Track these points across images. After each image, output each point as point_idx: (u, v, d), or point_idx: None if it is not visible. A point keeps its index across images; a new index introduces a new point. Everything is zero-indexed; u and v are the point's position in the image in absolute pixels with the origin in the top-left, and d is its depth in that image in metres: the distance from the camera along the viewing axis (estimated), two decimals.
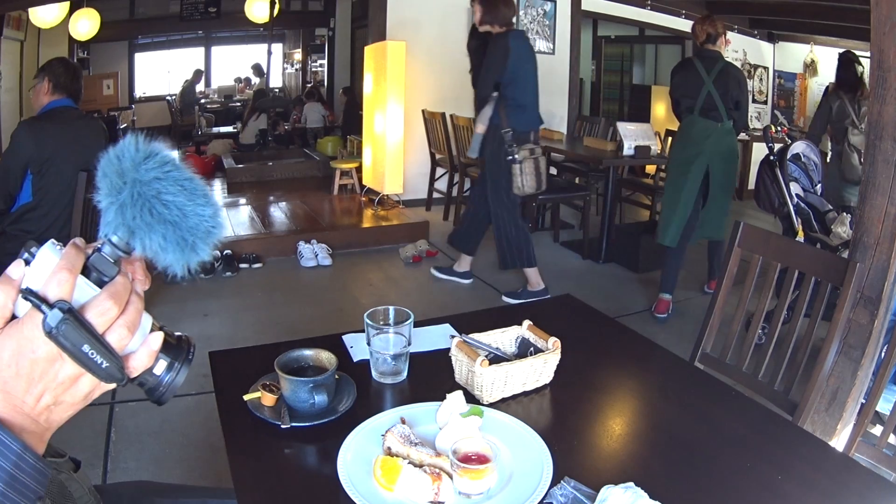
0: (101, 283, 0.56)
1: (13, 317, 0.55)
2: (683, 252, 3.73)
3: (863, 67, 4.21)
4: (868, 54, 2.00)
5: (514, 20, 3.67)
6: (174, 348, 0.61)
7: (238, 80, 11.24)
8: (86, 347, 0.53)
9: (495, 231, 3.83)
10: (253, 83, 10.87)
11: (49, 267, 0.54)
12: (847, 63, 4.25)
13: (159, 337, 0.59)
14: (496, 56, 3.52)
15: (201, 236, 0.58)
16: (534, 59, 3.68)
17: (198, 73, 10.77)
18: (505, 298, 3.87)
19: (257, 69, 10.75)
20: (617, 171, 4.70)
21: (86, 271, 0.56)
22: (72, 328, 0.52)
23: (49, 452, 0.63)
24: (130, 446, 2.31)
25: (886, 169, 1.94)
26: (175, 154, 0.60)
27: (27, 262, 0.55)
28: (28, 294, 0.53)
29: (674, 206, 3.62)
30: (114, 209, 0.56)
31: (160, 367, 0.60)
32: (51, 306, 0.52)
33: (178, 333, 0.63)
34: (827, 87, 5.37)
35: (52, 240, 0.56)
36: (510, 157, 3.52)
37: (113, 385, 0.57)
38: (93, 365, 0.54)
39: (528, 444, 1.03)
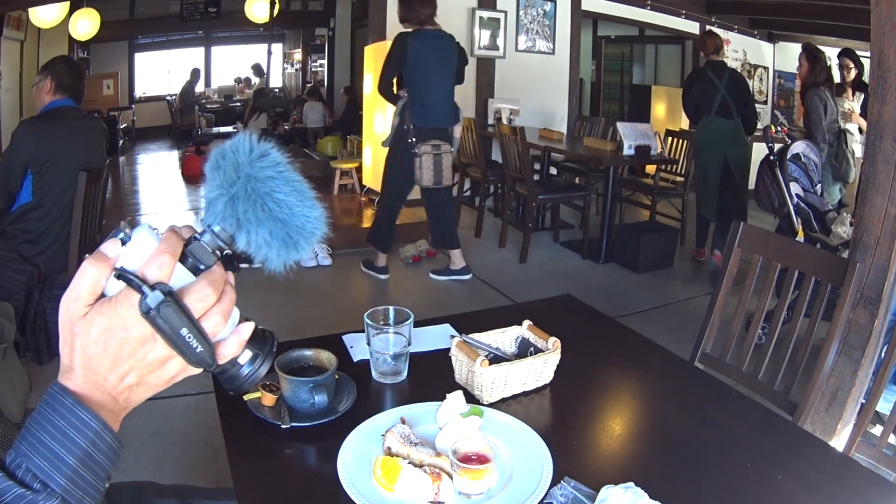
0: (195, 271, 0.56)
1: (101, 295, 0.55)
2: (727, 218, 4.30)
3: (828, 60, 4.30)
4: (868, 54, 2.00)
5: (435, 18, 3.78)
6: (259, 340, 0.62)
7: (238, 80, 11.24)
8: (183, 331, 0.53)
9: (377, 212, 4.22)
10: (253, 83, 10.88)
11: (146, 249, 0.54)
12: (814, 59, 4.19)
13: (250, 327, 0.60)
14: (391, 54, 3.76)
15: (305, 236, 0.60)
16: (443, 59, 3.74)
17: (195, 73, 10.77)
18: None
19: (257, 69, 10.76)
20: (617, 171, 4.70)
21: (182, 258, 0.56)
22: (172, 311, 0.52)
23: None
24: (130, 446, 2.31)
25: (886, 169, 1.94)
26: (284, 156, 0.61)
27: (123, 242, 0.55)
28: (126, 273, 0.53)
29: (705, 189, 4.44)
30: (224, 200, 0.57)
31: (245, 357, 0.61)
32: (151, 287, 0.52)
33: (261, 327, 0.63)
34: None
35: (149, 223, 0.57)
36: (413, 151, 3.76)
37: (199, 370, 0.57)
38: (187, 349, 0.54)
39: (528, 444, 1.03)
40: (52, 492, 0.52)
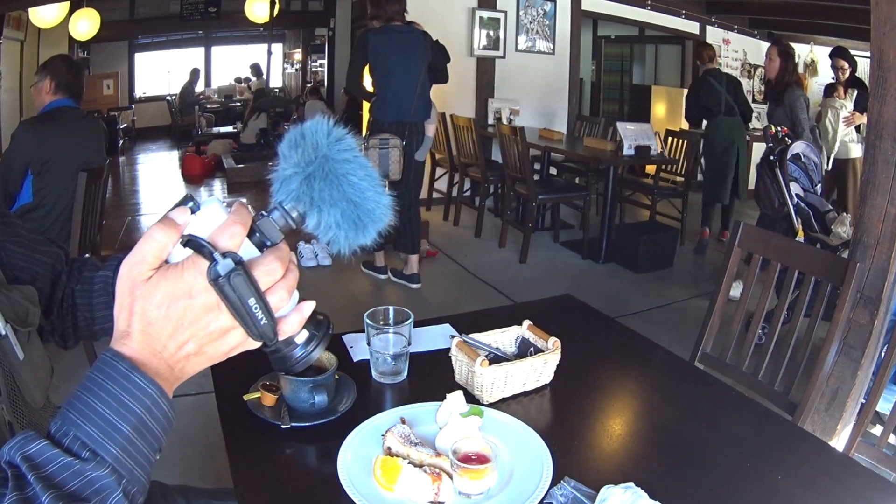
0: (261, 247, 0.56)
1: (164, 261, 0.54)
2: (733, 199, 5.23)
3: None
4: (868, 54, 2.00)
5: (406, 14, 3.81)
6: (315, 323, 0.62)
7: (239, 79, 11.23)
8: (251, 301, 0.53)
9: None
10: (251, 82, 10.87)
11: (215, 220, 0.54)
12: (787, 56, 4.18)
13: (311, 305, 0.60)
14: (353, 51, 3.83)
15: (374, 221, 0.60)
16: (406, 54, 3.73)
17: (195, 73, 10.77)
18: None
19: (255, 69, 10.74)
20: (617, 171, 4.70)
21: (249, 233, 0.56)
22: (242, 281, 0.52)
23: None
24: None
25: (886, 169, 1.94)
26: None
27: (192, 211, 0.55)
28: (196, 240, 0.53)
29: (724, 179, 5.03)
30: (299, 178, 0.57)
31: (301, 336, 0.60)
32: (223, 255, 0.52)
33: (318, 311, 0.64)
34: (827, 87, 5.39)
35: (217, 196, 0.56)
36: (364, 145, 3.79)
37: (257, 344, 0.57)
38: (252, 320, 0.54)
39: (528, 444, 1.03)
40: (102, 461, 0.50)
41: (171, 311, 0.53)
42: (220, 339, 0.55)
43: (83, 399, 0.52)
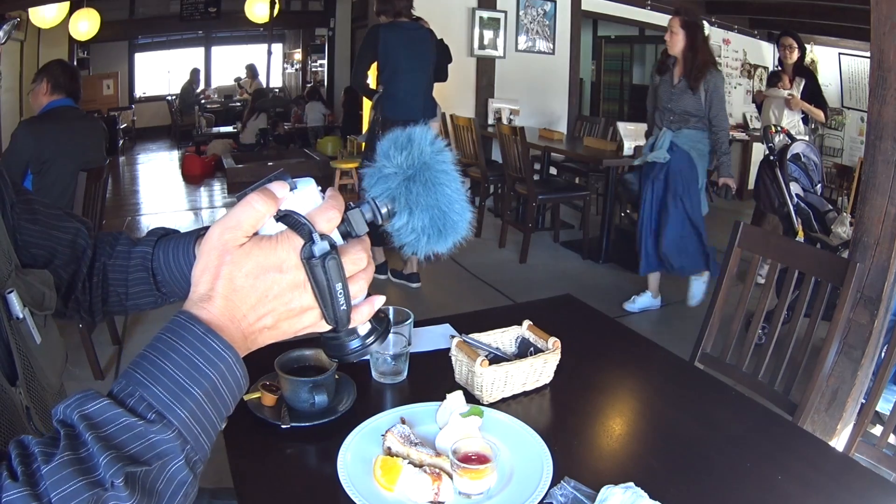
0: (345, 236, 0.58)
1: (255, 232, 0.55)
2: None
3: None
4: (868, 54, 2.00)
5: (413, 10, 3.75)
6: (377, 317, 0.63)
7: (238, 80, 11.22)
8: (338, 286, 0.54)
9: None
10: (241, 80, 10.84)
11: (311, 201, 0.56)
12: (694, 27, 3.43)
13: (382, 299, 0.61)
14: (363, 46, 3.72)
15: (455, 232, 0.62)
16: (416, 51, 3.69)
17: (195, 73, 10.77)
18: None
19: (251, 69, 10.72)
20: (617, 171, 4.70)
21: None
22: (335, 265, 0.53)
23: None
24: None
25: (886, 169, 1.94)
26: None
27: (292, 188, 0.56)
28: (296, 217, 0.54)
29: None
30: (399, 179, 0.59)
31: (364, 328, 0.61)
32: (321, 237, 0.53)
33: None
34: (770, 75, 4.82)
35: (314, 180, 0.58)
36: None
37: (328, 328, 0.58)
38: (333, 304, 0.55)
39: (528, 444, 1.03)
40: (168, 424, 0.49)
41: (259, 281, 0.53)
42: (297, 316, 0.56)
43: (152, 360, 0.50)
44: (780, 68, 4.57)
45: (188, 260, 0.77)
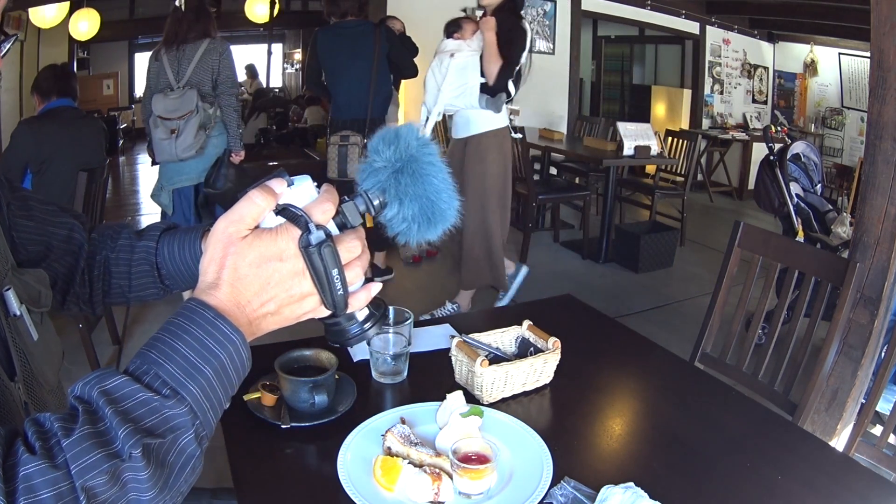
0: (341, 227, 0.62)
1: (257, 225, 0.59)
2: None
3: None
4: (868, 54, 2.00)
5: (365, 8, 3.75)
6: (375, 304, 0.67)
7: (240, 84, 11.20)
8: (334, 272, 0.58)
9: None
10: (245, 82, 10.83)
11: (307, 195, 0.60)
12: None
13: (379, 286, 0.65)
14: (308, 53, 3.78)
15: (444, 221, 0.66)
16: (355, 49, 3.65)
17: None
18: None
19: (250, 70, 10.71)
20: (617, 171, 4.70)
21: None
22: (330, 252, 0.58)
23: None
24: None
25: (886, 169, 1.94)
26: None
27: (289, 185, 0.60)
28: (293, 210, 0.58)
29: None
30: (388, 172, 0.63)
31: (362, 314, 0.65)
32: (317, 227, 0.58)
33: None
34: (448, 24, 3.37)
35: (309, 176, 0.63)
36: (326, 143, 3.76)
37: (327, 313, 0.62)
38: (330, 289, 0.59)
39: (528, 444, 1.03)
40: (181, 399, 0.52)
41: (261, 270, 0.57)
42: (297, 302, 0.60)
43: (166, 341, 0.54)
44: (465, 13, 3.31)
45: (194, 254, 0.80)
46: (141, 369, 0.53)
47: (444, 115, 3.43)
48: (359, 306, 0.64)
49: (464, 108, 3.20)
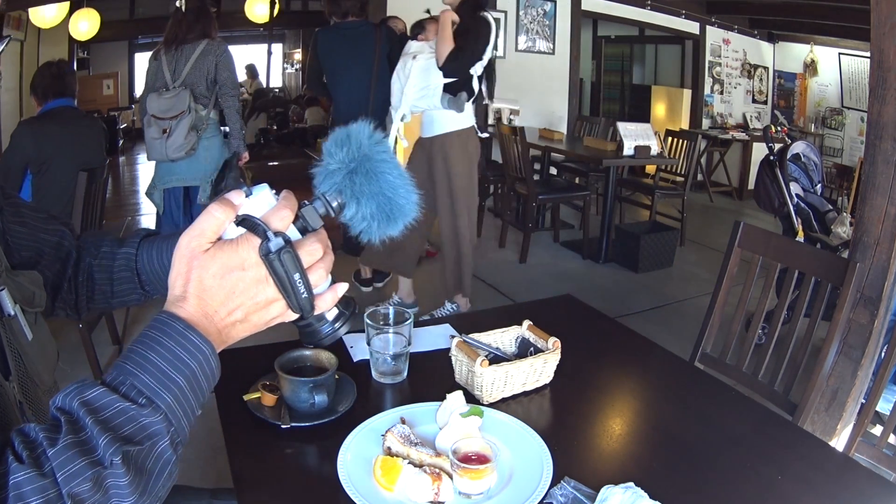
0: (303, 231, 0.63)
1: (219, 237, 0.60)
2: None
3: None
4: (868, 54, 2.00)
5: (365, 9, 3.71)
6: (344, 303, 0.68)
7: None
8: (296, 276, 0.60)
9: None
10: (245, 82, 10.82)
11: (266, 204, 0.61)
12: None
13: (345, 286, 0.66)
14: (309, 54, 3.73)
15: (403, 215, 0.67)
16: (354, 50, 3.63)
17: None
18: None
19: (250, 70, 10.71)
20: (617, 171, 4.70)
21: (293, 218, 0.63)
22: (290, 258, 0.59)
23: None
24: None
25: (886, 169, 1.93)
26: None
27: (246, 195, 0.61)
28: (252, 219, 0.59)
29: None
30: (343, 173, 0.64)
31: (331, 314, 0.67)
32: (275, 234, 0.59)
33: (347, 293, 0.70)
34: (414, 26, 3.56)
35: (267, 184, 0.64)
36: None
37: (295, 317, 0.63)
38: (294, 293, 0.60)
39: (528, 444, 1.03)
40: (156, 408, 0.55)
41: (225, 280, 0.59)
42: (264, 308, 0.61)
43: (140, 353, 0.56)
44: (429, 14, 3.23)
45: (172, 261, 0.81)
46: (118, 380, 0.55)
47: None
48: (326, 307, 0.65)
49: (428, 108, 3.19)
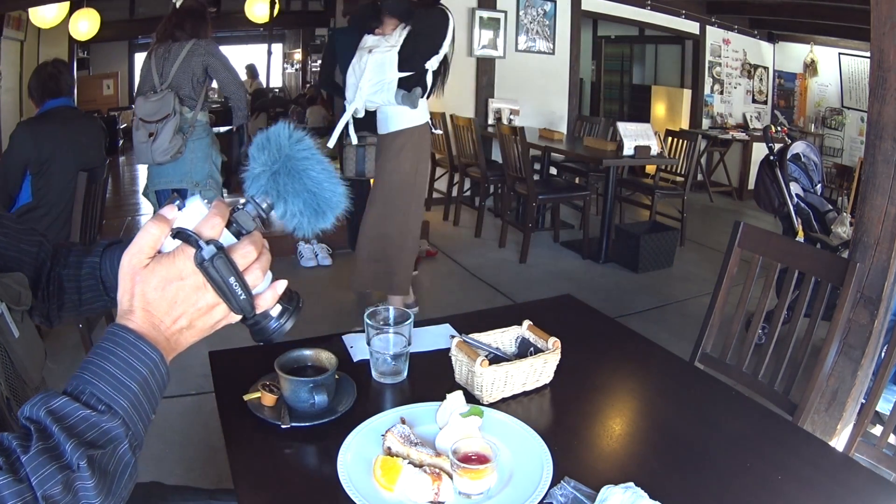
0: (238, 235, 0.66)
1: (158, 251, 0.64)
2: None
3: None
4: (868, 54, 2.00)
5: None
6: (287, 299, 0.71)
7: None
8: (231, 280, 0.63)
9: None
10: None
11: (198, 214, 0.64)
12: None
13: (284, 283, 0.69)
14: (324, 50, 3.73)
15: (332, 208, 0.70)
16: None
17: None
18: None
19: (251, 70, 10.71)
20: (617, 171, 4.70)
21: (227, 224, 0.66)
22: (222, 263, 0.62)
23: None
24: None
25: (886, 169, 1.93)
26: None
27: (179, 208, 0.64)
28: (184, 231, 0.62)
29: None
30: (267, 175, 0.68)
31: (275, 310, 0.70)
32: (206, 243, 0.62)
33: (289, 288, 0.72)
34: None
35: (199, 195, 0.67)
36: (342, 144, 3.65)
37: (239, 318, 0.67)
38: (232, 296, 0.64)
39: (528, 444, 1.03)
40: (115, 413, 0.59)
41: (166, 291, 0.62)
42: (207, 313, 0.65)
43: (95, 363, 0.60)
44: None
45: None
46: (78, 389, 0.59)
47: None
48: (267, 305, 0.68)
49: (382, 104, 3.15)
